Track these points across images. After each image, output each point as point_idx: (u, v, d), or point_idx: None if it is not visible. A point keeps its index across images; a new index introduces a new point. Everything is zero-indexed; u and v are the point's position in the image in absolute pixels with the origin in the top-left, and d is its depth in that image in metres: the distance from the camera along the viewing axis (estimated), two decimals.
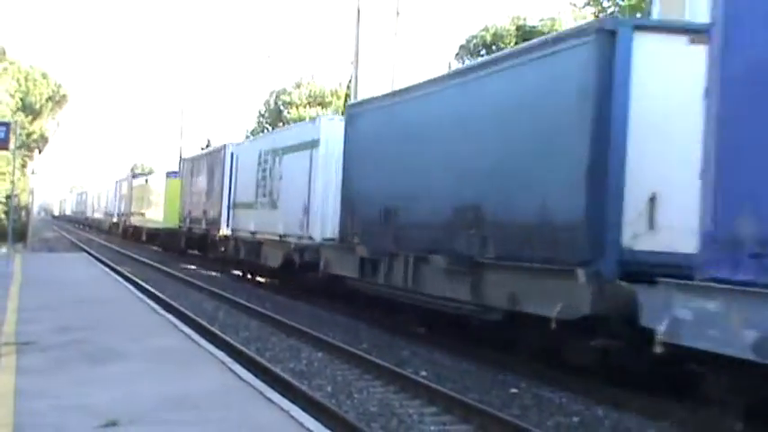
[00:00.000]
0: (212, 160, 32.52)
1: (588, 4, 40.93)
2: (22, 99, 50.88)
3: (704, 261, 7.57)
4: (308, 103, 62.92)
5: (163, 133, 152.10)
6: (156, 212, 45.01)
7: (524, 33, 43.30)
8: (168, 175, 44.05)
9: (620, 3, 37.85)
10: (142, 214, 49.13)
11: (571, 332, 10.27)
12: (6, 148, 31.62)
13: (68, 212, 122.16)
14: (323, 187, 19.82)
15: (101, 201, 73.96)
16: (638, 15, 29.43)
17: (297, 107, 62.49)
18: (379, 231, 15.57)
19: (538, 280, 10.76)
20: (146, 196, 49.18)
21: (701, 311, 7.38)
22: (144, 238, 49.02)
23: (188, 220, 36.04)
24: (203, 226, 32.81)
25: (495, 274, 11.77)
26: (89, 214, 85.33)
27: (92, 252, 38.31)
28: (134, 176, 58.53)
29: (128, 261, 34.37)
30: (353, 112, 18.17)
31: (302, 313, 18.12)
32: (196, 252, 35.62)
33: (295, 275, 21.51)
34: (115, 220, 61.33)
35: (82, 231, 78.82)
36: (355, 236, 16.78)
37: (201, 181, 33.99)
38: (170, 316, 14.87)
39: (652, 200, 9.86)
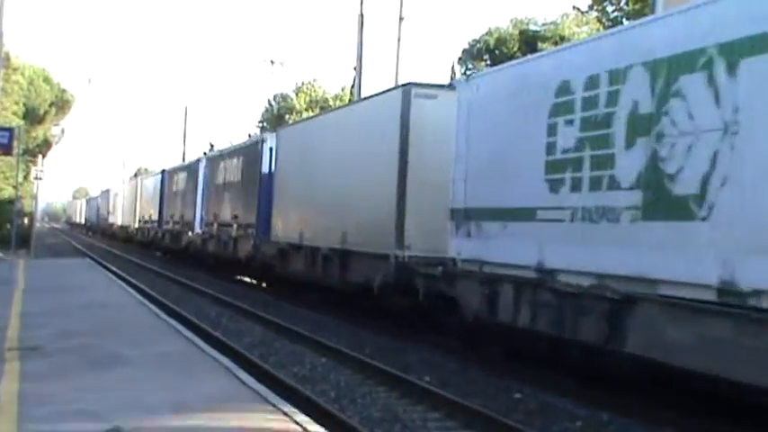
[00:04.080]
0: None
1: (592, 8, 40.92)
2: (25, 104, 50.90)
3: None
4: (309, 108, 62.93)
5: (166, 136, 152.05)
6: None
7: (527, 38, 43.34)
8: None
9: (624, 7, 37.83)
10: None
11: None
12: (10, 154, 31.57)
13: (116, 221, 61.34)
14: None
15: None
16: None
17: (299, 113, 62.50)
18: None
19: None
20: None
21: None
22: None
23: None
24: None
25: None
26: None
27: None
28: None
29: None
30: None
31: (305, 319, 18.11)
32: None
33: None
34: None
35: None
36: None
37: None
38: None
39: None
